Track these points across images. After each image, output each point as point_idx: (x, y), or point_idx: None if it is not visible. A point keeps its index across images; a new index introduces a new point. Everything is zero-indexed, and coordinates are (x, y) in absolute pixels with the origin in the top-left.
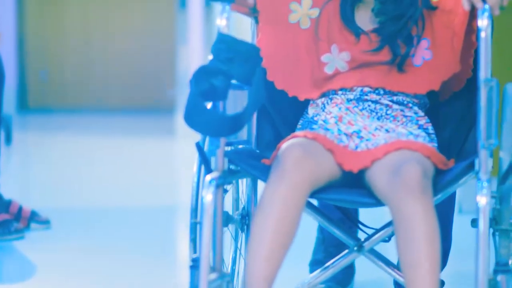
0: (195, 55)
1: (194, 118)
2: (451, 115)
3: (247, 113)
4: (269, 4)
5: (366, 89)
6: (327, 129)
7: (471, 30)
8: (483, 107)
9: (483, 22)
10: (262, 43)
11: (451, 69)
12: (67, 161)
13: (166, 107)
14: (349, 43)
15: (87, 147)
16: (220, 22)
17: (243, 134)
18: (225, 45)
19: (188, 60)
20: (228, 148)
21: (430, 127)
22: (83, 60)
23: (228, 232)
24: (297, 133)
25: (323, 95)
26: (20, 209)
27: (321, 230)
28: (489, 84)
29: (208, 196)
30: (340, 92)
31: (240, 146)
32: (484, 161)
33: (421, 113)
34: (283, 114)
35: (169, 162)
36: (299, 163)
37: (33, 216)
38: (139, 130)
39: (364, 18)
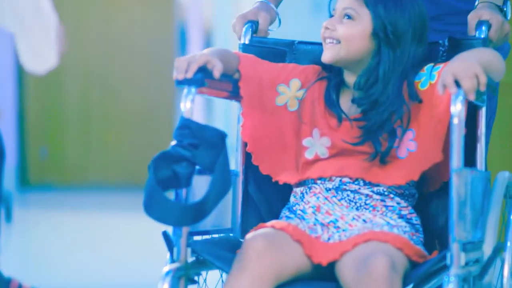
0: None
1: (153, 207)
2: (443, 205)
3: (210, 201)
4: (255, 89)
5: (345, 179)
6: (303, 219)
7: None
8: (455, 198)
9: (456, 108)
10: (246, 127)
11: (432, 159)
12: (67, 239)
13: None
14: (330, 128)
15: (87, 225)
16: (184, 106)
17: (226, 222)
18: (188, 131)
19: None
20: (200, 238)
21: (414, 217)
22: (82, 136)
23: None
24: (266, 223)
25: (303, 183)
26: (19, 287)
27: None
28: (462, 174)
29: None
30: (319, 181)
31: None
32: (456, 255)
33: (404, 204)
34: (268, 201)
35: None
36: (262, 254)
37: None
38: (139, 207)
39: (349, 103)
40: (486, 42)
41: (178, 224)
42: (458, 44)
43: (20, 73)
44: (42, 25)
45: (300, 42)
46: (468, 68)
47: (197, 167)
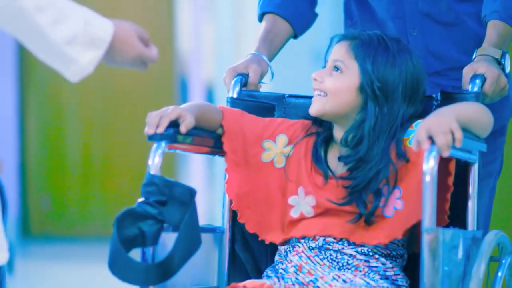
0: (196, 186)
1: (117, 266)
2: None
3: (176, 260)
4: (239, 144)
5: (329, 239)
6: (283, 278)
7: (447, 173)
8: (426, 261)
9: (428, 165)
10: (231, 184)
11: (416, 217)
12: None
13: None
14: (316, 187)
15: (90, 276)
16: (152, 161)
17: (212, 280)
18: (155, 188)
19: (190, 182)
20: None
21: (401, 279)
22: (84, 187)
23: None
24: (239, 283)
25: (287, 242)
26: None
27: None
28: (434, 234)
29: None
30: (302, 240)
31: None
32: None
33: (390, 264)
34: (255, 260)
35: None
36: None
37: None
38: None
39: (337, 160)
40: (479, 97)
41: (142, 284)
42: (451, 98)
43: (22, 123)
44: None
45: (291, 96)
46: (443, 123)
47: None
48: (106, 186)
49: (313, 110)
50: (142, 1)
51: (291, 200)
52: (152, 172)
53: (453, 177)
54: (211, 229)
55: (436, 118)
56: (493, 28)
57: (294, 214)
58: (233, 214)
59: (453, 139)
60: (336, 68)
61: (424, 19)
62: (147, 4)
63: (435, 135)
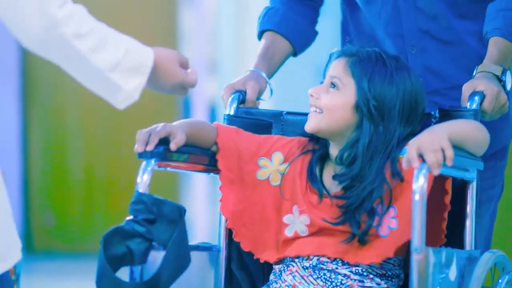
0: (198, 203)
1: (103, 285)
2: None
3: (164, 279)
4: (233, 162)
5: (323, 258)
6: None
7: (444, 191)
8: (415, 280)
9: (418, 183)
10: (226, 202)
11: (408, 235)
12: None
13: None
14: (310, 205)
15: None
16: (141, 179)
17: None
18: (143, 206)
19: (194, 208)
20: None
21: None
22: (87, 203)
23: None
24: None
25: (282, 261)
26: None
27: None
28: (423, 254)
29: None
30: (296, 260)
31: None
32: None
33: (385, 285)
34: (251, 279)
35: None
36: None
37: None
38: None
39: (332, 179)
40: (477, 114)
41: None
42: (449, 115)
43: (25, 139)
44: None
45: (289, 113)
46: (434, 141)
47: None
48: (109, 203)
49: (308, 127)
50: (145, 19)
51: (286, 218)
52: (140, 190)
53: (450, 195)
54: (207, 248)
55: (427, 136)
56: (494, 45)
57: (288, 233)
58: (230, 232)
59: (444, 157)
60: (333, 85)
61: (423, 36)
62: (149, 22)
63: (425, 153)
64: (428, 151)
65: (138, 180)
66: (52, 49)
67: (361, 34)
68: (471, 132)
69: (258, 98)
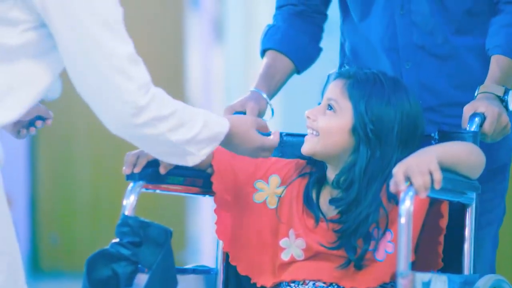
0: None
1: None
2: None
3: None
4: (229, 184)
5: (319, 283)
6: None
7: (439, 215)
8: None
9: (404, 206)
10: (221, 225)
11: None
12: None
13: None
14: (306, 229)
15: None
16: (127, 201)
17: None
18: (129, 228)
19: (200, 222)
20: None
21: None
22: (93, 223)
23: None
24: None
25: (277, 285)
26: None
27: None
28: (407, 279)
29: None
30: (292, 284)
31: None
32: None
33: None
34: None
35: None
36: None
37: None
38: None
39: (328, 203)
40: (477, 136)
41: None
42: (448, 137)
43: (32, 161)
44: None
45: (288, 134)
46: (421, 163)
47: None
48: (115, 223)
49: (304, 149)
50: (151, 36)
51: (282, 242)
52: (126, 213)
53: (446, 219)
54: (205, 271)
55: (415, 158)
56: (496, 64)
57: (284, 257)
58: (227, 255)
59: (432, 180)
60: (330, 107)
61: (418, 52)
62: (155, 39)
63: (412, 176)
64: (415, 174)
65: (124, 202)
66: (135, 134)
67: (356, 49)
68: (464, 154)
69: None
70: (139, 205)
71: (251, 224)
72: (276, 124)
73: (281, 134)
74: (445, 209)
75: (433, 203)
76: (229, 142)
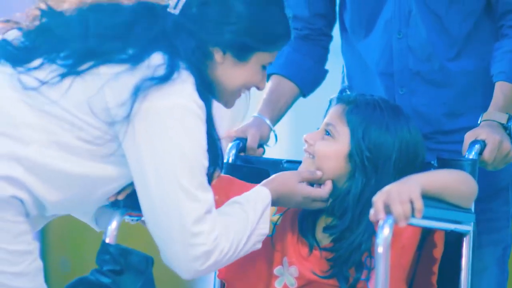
0: None
1: None
2: None
3: None
4: None
5: None
6: None
7: (433, 244)
8: None
9: (382, 235)
10: None
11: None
12: None
13: None
14: (300, 257)
15: None
16: (109, 228)
17: None
18: (109, 256)
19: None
20: None
21: None
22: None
23: None
24: None
25: None
26: None
27: None
28: None
29: None
30: None
31: None
32: None
33: None
34: None
35: None
36: None
37: None
38: None
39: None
40: (475, 164)
41: None
42: (447, 164)
43: None
44: None
45: (289, 161)
46: (403, 191)
47: None
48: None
49: (299, 170)
50: None
51: (276, 270)
52: (107, 240)
53: (440, 249)
54: None
55: (397, 186)
56: (500, 91)
57: (278, 285)
58: (224, 284)
59: (414, 209)
60: (327, 132)
61: (414, 77)
62: None
63: (392, 204)
64: (395, 202)
65: (108, 230)
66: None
67: (351, 71)
68: (452, 183)
69: (262, 145)
70: (137, 234)
71: (247, 255)
72: (281, 149)
73: (281, 161)
74: (438, 238)
75: (427, 233)
76: (277, 203)
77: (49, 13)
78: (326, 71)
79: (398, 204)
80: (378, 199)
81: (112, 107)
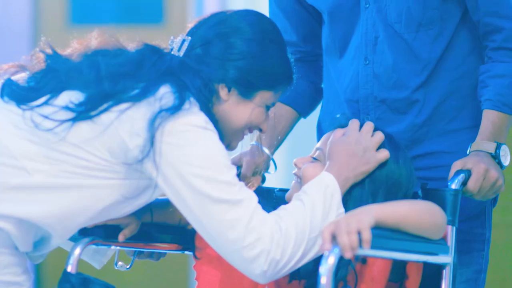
0: None
1: None
2: None
3: None
4: None
5: None
6: None
7: (405, 276)
8: None
9: (325, 265)
10: (202, 283)
11: None
12: None
13: None
14: (278, 287)
15: None
16: (71, 257)
17: None
18: (70, 286)
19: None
20: None
21: None
22: (100, 275)
23: None
24: None
25: None
26: None
27: None
28: None
29: None
30: None
31: None
32: None
33: None
34: None
35: None
36: None
37: None
38: None
39: None
40: (458, 194)
41: None
42: (430, 194)
43: None
44: None
45: (281, 190)
46: (351, 222)
47: None
48: (123, 273)
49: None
50: None
51: None
52: (68, 269)
53: (414, 280)
54: None
55: (347, 217)
56: (487, 119)
57: None
58: None
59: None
60: (315, 157)
61: (379, 106)
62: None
63: (338, 235)
64: (342, 233)
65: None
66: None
67: (326, 94)
68: (412, 214)
69: (261, 173)
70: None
71: (232, 280)
72: (281, 177)
73: (273, 189)
74: (411, 270)
75: (402, 264)
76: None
77: (54, 56)
78: (322, 90)
79: (344, 234)
80: (326, 229)
81: (130, 144)
